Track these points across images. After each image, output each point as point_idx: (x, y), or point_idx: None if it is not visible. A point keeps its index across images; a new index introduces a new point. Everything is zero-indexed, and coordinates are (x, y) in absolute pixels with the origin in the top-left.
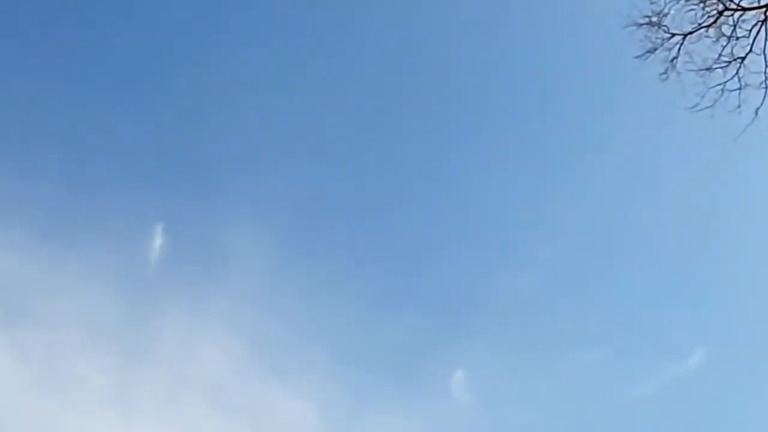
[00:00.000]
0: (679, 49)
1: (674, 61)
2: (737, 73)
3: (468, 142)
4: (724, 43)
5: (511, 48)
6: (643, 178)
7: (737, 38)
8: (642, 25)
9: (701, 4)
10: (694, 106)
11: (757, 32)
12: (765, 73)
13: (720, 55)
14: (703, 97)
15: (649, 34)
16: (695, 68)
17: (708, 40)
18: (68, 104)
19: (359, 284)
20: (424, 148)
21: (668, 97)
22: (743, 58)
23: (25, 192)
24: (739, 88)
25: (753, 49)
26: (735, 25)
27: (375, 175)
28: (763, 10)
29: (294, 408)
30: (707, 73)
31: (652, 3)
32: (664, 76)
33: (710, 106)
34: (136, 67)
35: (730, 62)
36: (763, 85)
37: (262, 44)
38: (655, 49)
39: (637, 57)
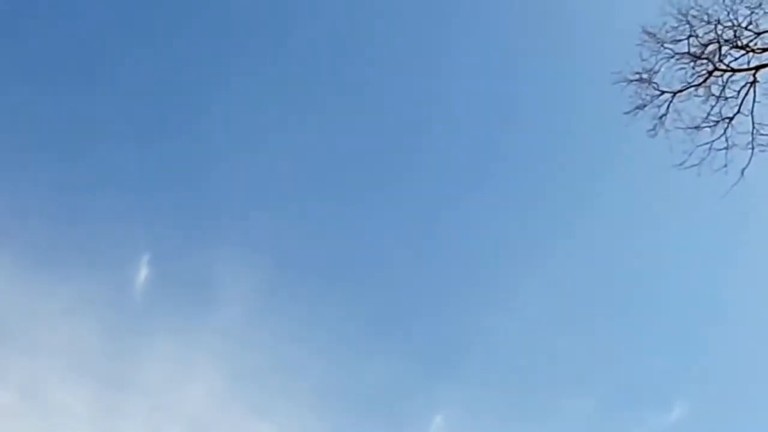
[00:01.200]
0: (668, 106)
1: (663, 118)
2: (725, 132)
3: (459, 195)
4: (713, 103)
5: (511, 103)
6: (633, 230)
7: (726, 98)
8: (633, 81)
9: (692, 64)
10: (681, 164)
11: (746, 93)
12: (752, 133)
13: (708, 114)
14: (690, 154)
15: (639, 90)
16: (683, 126)
17: (697, 99)
18: (62, 138)
19: (343, 326)
20: (413, 205)
21: (657, 153)
22: (731, 119)
23: (15, 223)
24: (726, 148)
25: (741, 109)
26: (724, 86)
27: (367, 227)
28: (753, 71)
29: None
30: (695, 131)
31: (643, 60)
32: (653, 132)
33: (697, 164)
34: (136, 103)
35: (718, 122)
36: (750, 146)
37: (262, 101)
38: (645, 106)
39: (626, 113)
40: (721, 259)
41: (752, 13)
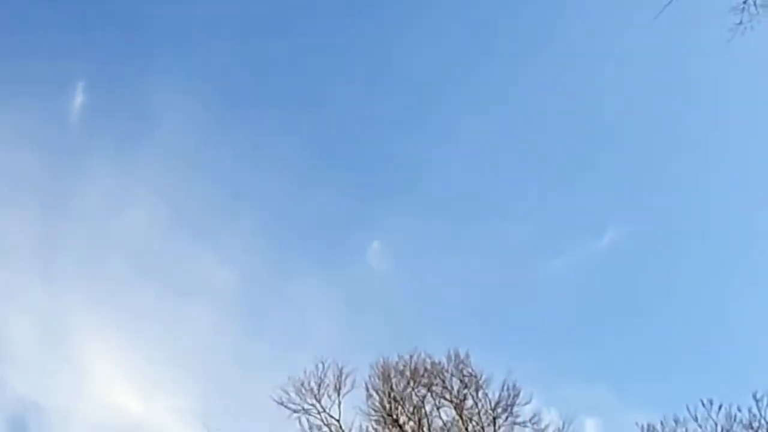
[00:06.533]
0: None
1: None
2: None
3: (409, 24)
4: None
5: None
6: (583, 67)
7: None
8: None
9: None
10: None
11: None
12: None
13: None
14: None
15: None
16: None
17: None
18: None
19: (288, 154)
20: (359, 34)
21: None
22: None
23: None
24: None
25: None
26: None
27: (313, 56)
28: None
29: (217, 272)
30: None
31: None
32: None
33: None
34: None
35: None
36: None
37: None
38: None
39: None
40: (660, 84)
41: None
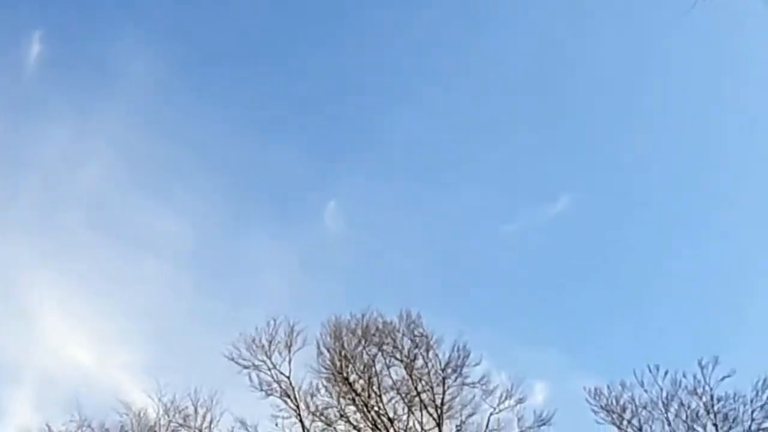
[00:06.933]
0: None
1: None
2: None
3: None
4: None
5: None
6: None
7: None
8: None
9: None
10: None
11: None
12: None
13: None
14: None
15: None
16: None
17: None
18: None
19: (248, 110)
20: None
21: None
22: None
23: None
24: None
25: None
26: None
27: (275, 12)
28: None
29: (172, 227)
30: None
31: None
32: None
33: None
34: None
35: None
36: None
37: None
38: None
39: None
40: (624, 68)
41: None
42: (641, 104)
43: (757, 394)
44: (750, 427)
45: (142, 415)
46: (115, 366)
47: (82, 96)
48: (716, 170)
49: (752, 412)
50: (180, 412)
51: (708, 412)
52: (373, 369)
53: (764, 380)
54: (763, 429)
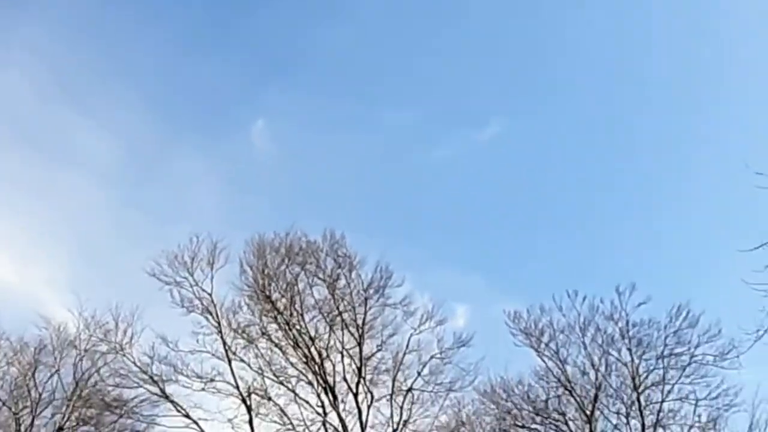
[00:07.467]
0: None
1: None
2: None
3: None
4: None
5: None
6: None
7: None
8: None
9: None
10: None
11: None
12: None
13: None
14: None
15: None
16: None
17: None
18: None
19: (177, 25)
20: None
21: None
22: None
23: None
24: None
25: None
26: None
27: None
28: None
29: (101, 144)
30: None
31: None
32: None
33: None
34: None
35: None
36: None
37: None
38: None
39: None
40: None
41: None
42: (574, 29)
43: (671, 321)
44: (663, 352)
45: (62, 329)
46: (37, 281)
47: (4, 3)
48: (642, 94)
49: (665, 338)
50: (101, 327)
51: (623, 337)
52: (296, 288)
53: (678, 307)
54: (675, 354)
